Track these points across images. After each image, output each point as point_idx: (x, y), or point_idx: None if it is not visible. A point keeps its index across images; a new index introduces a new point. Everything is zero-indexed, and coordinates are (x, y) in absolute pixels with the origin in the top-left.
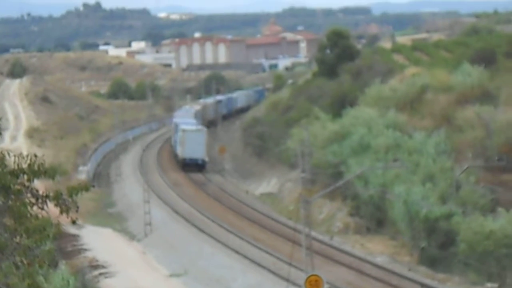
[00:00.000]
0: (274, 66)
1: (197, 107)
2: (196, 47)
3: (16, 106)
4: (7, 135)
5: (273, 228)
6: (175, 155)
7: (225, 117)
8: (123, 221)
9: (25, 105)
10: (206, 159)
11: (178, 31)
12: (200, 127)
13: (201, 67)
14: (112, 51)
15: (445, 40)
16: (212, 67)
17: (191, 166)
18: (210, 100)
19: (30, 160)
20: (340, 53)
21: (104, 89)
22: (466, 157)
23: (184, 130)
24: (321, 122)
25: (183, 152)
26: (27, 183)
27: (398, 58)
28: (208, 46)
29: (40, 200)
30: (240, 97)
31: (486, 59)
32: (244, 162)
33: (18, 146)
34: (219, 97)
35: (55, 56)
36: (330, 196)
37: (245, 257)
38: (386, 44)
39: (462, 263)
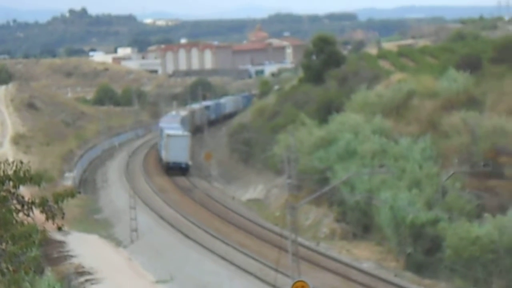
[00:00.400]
0: (260, 72)
1: (184, 112)
2: (182, 53)
3: (1, 113)
4: None
5: (259, 234)
6: (160, 159)
7: (213, 123)
8: (109, 227)
9: (11, 111)
10: (190, 163)
11: (164, 37)
12: (184, 132)
13: (187, 73)
14: (98, 57)
15: (431, 46)
16: (198, 73)
17: (174, 169)
18: (197, 106)
19: (16, 166)
20: (326, 59)
21: (90, 95)
22: (452, 163)
23: (168, 135)
24: (307, 128)
25: (167, 156)
26: (12, 190)
27: (384, 64)
28: (194, 52)
29: (25, 207)
30: (228, 103)
31: (471, 65)
32: (231, 168)
33: (4, 152)
34: (207, 103)
35: (41, 62)
36: (317, 202)
37: (232, 263)
38: (372, 50)
39: (448, 268)
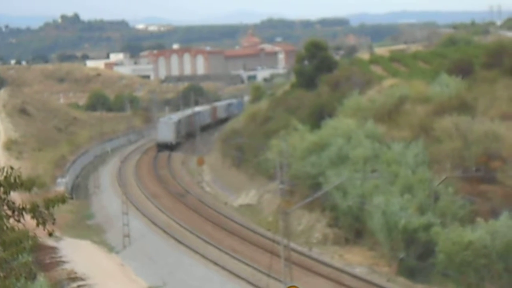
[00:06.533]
0: (253, 78)
1: (205, 108)
2: (174, 59)
3: None
4: None
5: (252, 240)
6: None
7: (236, 116)
8: (102, 233)
9: (3, 117)
10: (174, 142)
11: (157, 42)
12: (171, 120)
13: (180, 78)
14: (90, 62)
15: (423, 51)
16: (191, 79)
17: (163, 146)
18: (220, 103)
19: (6, 172)
20: (318, 64)
21: (82, 101)
22: (444, 167)
23: (159, 121)
24: (299, 133)
25: (157, 137)
26: (3, 196)
27: (376, 69)
28: (187, 57)
29: (16, 213)
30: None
31: (463, 69)
32: (223, 173)
33: None
34: (231, 101)
35: (33, 68)
36: (309, 207)
37: (224, 268)
38: (364, 55)
39: (441, 273)
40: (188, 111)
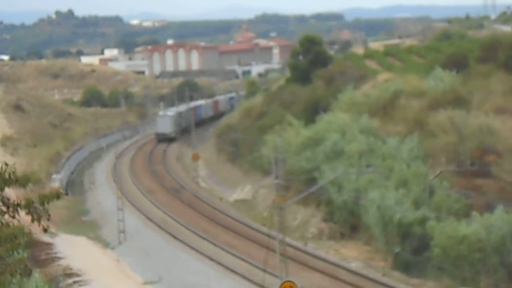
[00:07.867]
0: (247, 73)
1: (208, 101)
2: (169, 54)
3: None
4: None
5: (247, 235)
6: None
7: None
8: (97, 229)
9: None
10: (173, 134)
11: (151, 38)
12: (169, 113)
13: (174, 74)
14: (85, 58)
15: (417, 45)
16: (185, 74)
17: (162, 138)
18: (222, 97)
19: (1, 168)
20: (312, 59)
21: (77, 97)
22: (439, 162)
23: (158, 115)
24: (294, 128)
25: (156, 128)
26: None
27: (371, 64)
28: (181, 53)
29: (11, 209)
30: None
31: (458, 64)
32: (218, 169)
33: None
34: (232, 94)
35: (27, 64)
36: (304, 202)
37: (220, 263)
38: (359, 50)
39: (436, 268)
40: (189, 105)
